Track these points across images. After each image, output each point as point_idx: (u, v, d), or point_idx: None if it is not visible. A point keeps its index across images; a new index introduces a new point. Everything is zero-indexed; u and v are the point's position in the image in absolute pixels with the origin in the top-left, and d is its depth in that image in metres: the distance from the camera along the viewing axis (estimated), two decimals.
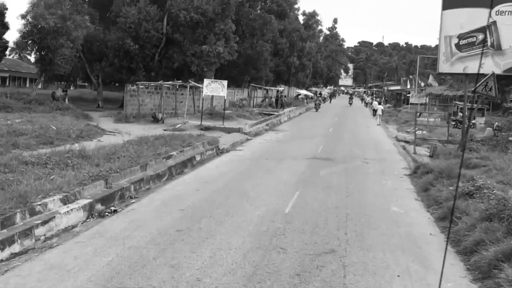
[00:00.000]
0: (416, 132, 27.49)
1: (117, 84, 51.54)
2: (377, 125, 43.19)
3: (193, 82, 35.55)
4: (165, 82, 35.58)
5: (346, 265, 8.91)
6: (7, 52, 45.42)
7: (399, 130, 38.15)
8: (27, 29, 34.14)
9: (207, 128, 29.36)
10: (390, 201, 14.31)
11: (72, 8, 35.54)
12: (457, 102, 46.22)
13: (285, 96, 63.14)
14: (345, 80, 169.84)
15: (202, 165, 19.11)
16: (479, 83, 21.53)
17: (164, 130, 27.13)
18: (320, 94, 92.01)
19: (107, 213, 11.53)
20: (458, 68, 23.66)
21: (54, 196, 10.64)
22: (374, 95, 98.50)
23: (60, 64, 35.17)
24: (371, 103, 65.84)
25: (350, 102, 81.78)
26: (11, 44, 40.10)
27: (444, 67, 24.02)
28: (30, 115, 26.69)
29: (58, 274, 7.90)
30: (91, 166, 13.68)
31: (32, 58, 50.76)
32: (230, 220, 11.35)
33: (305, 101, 75.20)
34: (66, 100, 39.89)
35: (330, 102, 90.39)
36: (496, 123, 32.74)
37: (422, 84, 71.26)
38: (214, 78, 38.30)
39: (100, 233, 10.04)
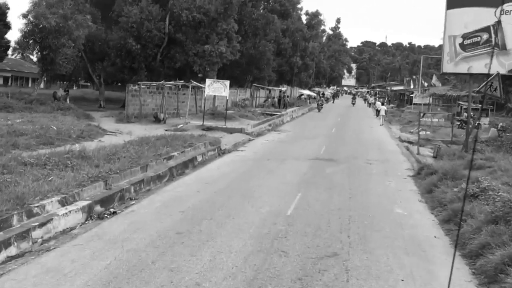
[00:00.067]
0: (420, 133, 27.30)
1: (119, 84, 51.43)
2: (380, 125, 42.99)
3: (195, 82, 35.42)
4: (167, 82, 35.45)
5: (349, 269, 8.72)
6: (10, 52, 45.39)
7: (402, 130, 37.95)
8: (28, 28, 34.02)
9: (209, 129, 29.21)
10: (393, 203, 14.12)
11: (73, 8, 35.39)
12: (461, 103, 45.96)
13: (287, 96, 62.96)
14: (348, 80, 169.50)
15: (203, 165, 18.94)
16: (483, 83, 21.32)
17: (166, 130, 27.00)
18: (323, 94, 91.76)
19: (106, 215, 11.35)
20: (463, 68, 23.44)
21: (52, 198, 10.47)
22: (377, 95, 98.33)
23: (61, 64, 35.06)
24: (374, 103, 65.58)
25: (353, 102, 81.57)
26: (12, 44, 40.01)
27: (448, 67, 23.79)
28: (31, 115, 26.58)
29: (55, 278, 7.72)
30: (90, 167, 13.52)
31: (34, 57, 50.69)
32: (231, 222, 11.17)
33: (308, 101, 74.98)
34: (68, 100, 39.84)
35: (333, 102, 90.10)
36: (501, 124, 32.52)
37: (426, 84, 71.02)
38: (217, 78, 38.14)
39: (99, 236, 9.86)
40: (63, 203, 10.64)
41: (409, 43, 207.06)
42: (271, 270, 8.44)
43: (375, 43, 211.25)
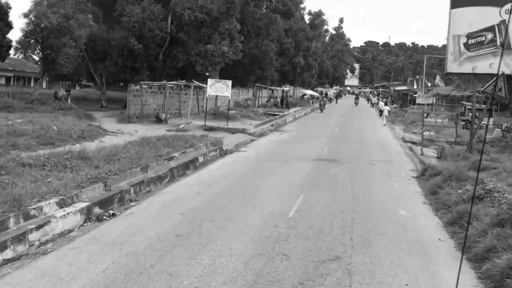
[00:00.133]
0: (423, 133, 27.06)
1: (121, 84, 51.25)
2: (383, 125, 42.83)
3: (196, 82, 35.23)
4: (168, 82, 35.29)
5: (352, 273, 8.53)
6: (12, 52, 45.25)
7: (405, 130, 37.75)
8: (29, 28, 33.86)
9: (211, 129, 29.04)
10: (397, 205, 13.92)
11: (75, 7, 35.29)
12: (465, 103, 45.71)
13: (290, 96, 62.73)
14: (351, 80, 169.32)
15: (205, 166, 18.75)
16: (488, 84, 21.09)
17: (167, 130, 26.85)
18: (326, 94, 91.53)
19: (105, 217, 11.16)
20: (467, 68, 23.17)
21: (50, 200, 10.28)
22: (381, 95, 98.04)
23: (63, 63, 34.92)
24: (378, 103, 65.36)
25: (356, 102, 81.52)
26: (14, 44, 39.86)
27: (452, 67, 23.53)
28: (32, 115, 26.45)
29: (51, 283, 7.54)
30: (90, 168, 13.33)
31: (36, 57, 50.61)
32: (232, 224, 10.98)
33: (311, 101, 74.75)
34: (69, 100, 39.70)
35: (336, 102, 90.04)
36: (505, 124, 32.22)
37: (429, 84, 70.70)
38: (219, 78, 37.99)
39: (97, 238, 9.68)
40: (61, 205, 10.45)
41: (412, 43, 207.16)
42: (272, 274, 8.25)
43: (378, 43, 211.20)
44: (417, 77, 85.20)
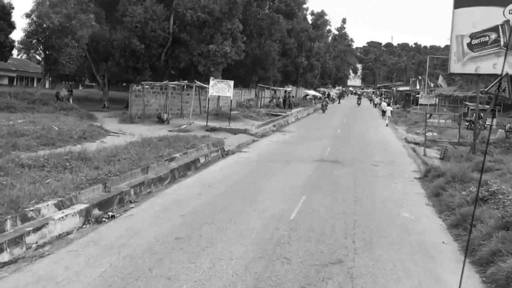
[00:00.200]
0: (426, 134, 26.88)
1: (124, 84, 51.29)
2: (386, 125, 42.70)
3: (198, 82, 35.11)
4: (170, 82, 35.20)
5: (354, 277, 8.37)
6: (16, 52, 45.28)
7: (408, 131, 37.58)
8: (31, 28, 33.80)
9: (212, 129, 28.92)
10: (400, 206, 13.75)
11: (77, 7, 35.20)
12: (468, 103, 45.50)
13: (293, 97, 62.60)
14: (354, 81, 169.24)
15: (206, 167, 18.62)
16: (492, 84, 20.92)
17: (169, 131, 26.75)
18: (328, 95, 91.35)
19: (104, 219, 11.01)
20: (470, 69, 23.02)
21: (48, 201, 10.15)
22: (383, 96, 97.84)
23: (65, 63, 34.82)
24: (380, 103, 65.19)
25: (359, 102, 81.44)
26: (16, 44, 39.81)
27: (455, 67, 23.37)
28: (33, 115, 26.33)
29: (46, 287, 7.41)
30: (90, 169, 13.19)
31: (39, 57, 50.62)
32: (233, 227, 10.83)
33: (313, 101, 74.57)
34: (71, 100, 39.63)
35: (339, 102, 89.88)
36: (508, 125, 32.03)
37: (432, 84, 70.47)
38: (222, 78, 37.85)
39: (95, 241, 9.53)
40: (60, 206, 10.32)
41: (415, 44, 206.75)
42: (273, 278, 8.10)
43: (381, 44, 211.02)
44: (420, 77, 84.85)
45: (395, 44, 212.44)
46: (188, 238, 9.87)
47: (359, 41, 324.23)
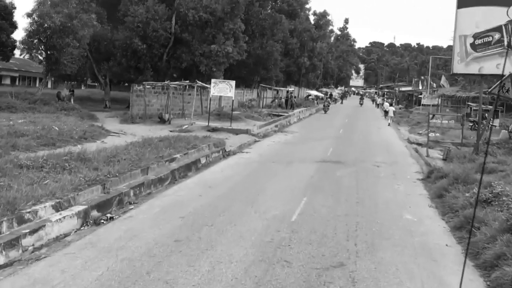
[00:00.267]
0: (429, 134, 26.68)
1: (126, 84, 51.18)
2: (388, 125, 42.56)
3: (200, 82, 35.01)
4: (172, 82, 35.11)
5: (356, 281, 8.21)
6: (18, 52, 45.21)
7: (411, 131, 37.42)
8: (33, 28, 33.75)
9: (214, 129, 28.79)
10: (402, 208, 13.58)
11: (78, 7, 35.13)
12: (471, 104, 45.27)
13: (295, 97, 62.47)
14: (356, 81, 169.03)
15: (207, 168, 18.47)
16: (495, 85, 20.75)
17: (170, 131, 26.63)
18: (331, 95, 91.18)
19: (102, 221, 10.85)
20: (473, 69, 22.79)
21: (46, 203, 9.99)
22: (386, 96, 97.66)
23: (66, 63, 34.74)
24: (383, 104, 65.03)
25: (361, 102, 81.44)
26: (18, 44, 39.74)
27: (458, 67, 23.15)
28: (34, 115, 26.24)
29: None
30: (89, 170, 13.03)
31: (40, 57, 50.56)
32: (233, 229, 10.67)
33: (316, 102, 74.44)
34: (72, 100, 39.55)
35: (341, 103, 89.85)
36: (511, 126, 31.82)
37: (434, 85, 70.31)
38: (224, 78, 37.74)
39: (93, 243, 9.38)
40: (57, 208, 10.17)
41: (418, 44, 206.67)
42: (273, 282, 7.94)
43: (383, 44, 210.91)
44: (422, 77, 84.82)
45: (397, 44, 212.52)
46: (188, 241, 9.72)
47: (361, 42, 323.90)
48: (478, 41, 22.20)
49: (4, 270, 8.00)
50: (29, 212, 9.40)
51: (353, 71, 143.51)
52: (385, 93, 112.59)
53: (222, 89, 31.63)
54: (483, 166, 5.99)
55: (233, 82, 32.07)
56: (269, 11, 55.21)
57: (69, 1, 34.26)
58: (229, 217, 11.60)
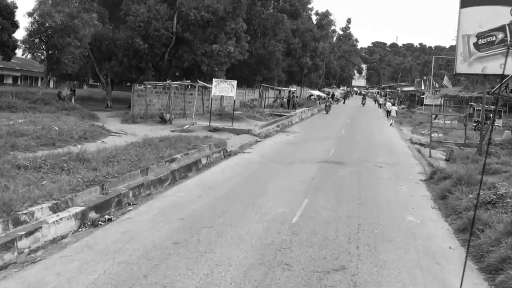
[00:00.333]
0: (432, 135, 26.49)
1: (128, 84, 51.06)
2: (390, 125, 42.39)
3: (201, 82, 34.88)
4: (173, 82, 34.95)
5: (358, 285, 8.04)
6: (21, 52, 45.12)
7: (413, 132, 37.26)
8: (34, 27, 33.65)
9: (215, 129, 28.64)
10: (405, 210, 13.40)
11: (80, 6, 35.08)
12: (473, 104, 45.07)
13: (297, 97, 62.26)
14: (359, 81, 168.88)
15: (207, 168, 18.30)
16: (499, 85, 20.55)
17: (172, 131, 26.49)
18: (333, 95, 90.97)
19: (100, 222, 10.68)
20: (477, 69, 22.62)
21: (43, 204, 9.82)
22: (388, 96, 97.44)
23: (67, 63, 34.62)
24: (385, 104, 64.83)
25: (363, 102, 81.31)
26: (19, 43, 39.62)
27: (461, 67, 22.98)
28: (34, 115, 26.07)
29: None
30: (87, 170, 12.86)
31: (42, 56, 50.50)
32: (232, 231, 10.49)
33: (318, 101, 74.27)
34: (73, 99, 39.44)
35: (343, 103, 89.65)
36: None
37: (437, 85, 70.02)
38: (225, 78, 37.60)
39: (89, 246, 9.21)
40: (55, 209, 10.00)
41: (420, 44, 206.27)
42: (273, 286, 7.77)
43: (385, 44, 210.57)
44: (425, 77, 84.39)
45: (400, 44, 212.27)
46: (186, 243, 9.55)
47: (364, 41, 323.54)
48: (481, 41, 22.04)
49: None
50: (25, 214, 9.22)
51: (355, 71, 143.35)
52: (388, 93, 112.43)
53: (224, 89, 31.48)
54: (483, 167, 5.85)
55: (234, 82, 31.91)
56: (271, 10, 55.08)
57: (70, 0, 34.14)
58: (229, 218, 11.44)
